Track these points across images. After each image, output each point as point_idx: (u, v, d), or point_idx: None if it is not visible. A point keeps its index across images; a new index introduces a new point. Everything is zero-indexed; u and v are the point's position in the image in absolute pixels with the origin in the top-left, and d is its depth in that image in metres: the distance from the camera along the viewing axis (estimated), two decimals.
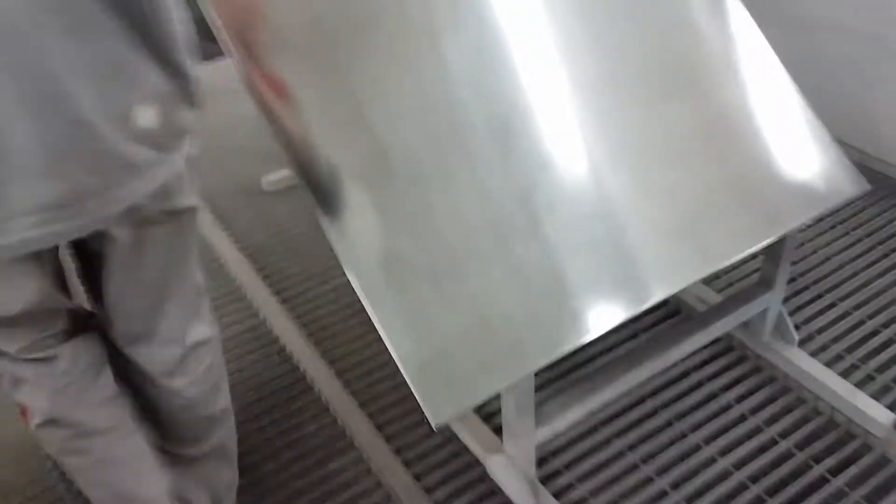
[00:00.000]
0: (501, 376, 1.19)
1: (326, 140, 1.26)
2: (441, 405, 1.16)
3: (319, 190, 1.23)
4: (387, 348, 1.17)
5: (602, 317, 1.24)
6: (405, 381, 1.15)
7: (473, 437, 1.60)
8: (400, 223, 1.25)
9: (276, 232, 2.32)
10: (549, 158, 1.34)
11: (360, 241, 1.23)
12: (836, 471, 1.56)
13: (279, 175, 2.49)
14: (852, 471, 1.55)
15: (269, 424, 1.74)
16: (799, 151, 1.49)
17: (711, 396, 1.72)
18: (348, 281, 1.19)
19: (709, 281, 2.00)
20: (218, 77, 3.00)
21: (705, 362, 1.80)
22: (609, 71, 1.46)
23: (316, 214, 1.21)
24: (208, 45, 2.26)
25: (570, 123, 1.38)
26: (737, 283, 2.02)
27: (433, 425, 1.15)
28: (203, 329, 1.27)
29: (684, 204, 1.37)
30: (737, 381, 1.75)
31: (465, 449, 1.64)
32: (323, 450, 1.68)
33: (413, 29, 1.36)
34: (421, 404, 1.16)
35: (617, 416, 1.69)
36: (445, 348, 1.19)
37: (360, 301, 1.19)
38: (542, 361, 1.21)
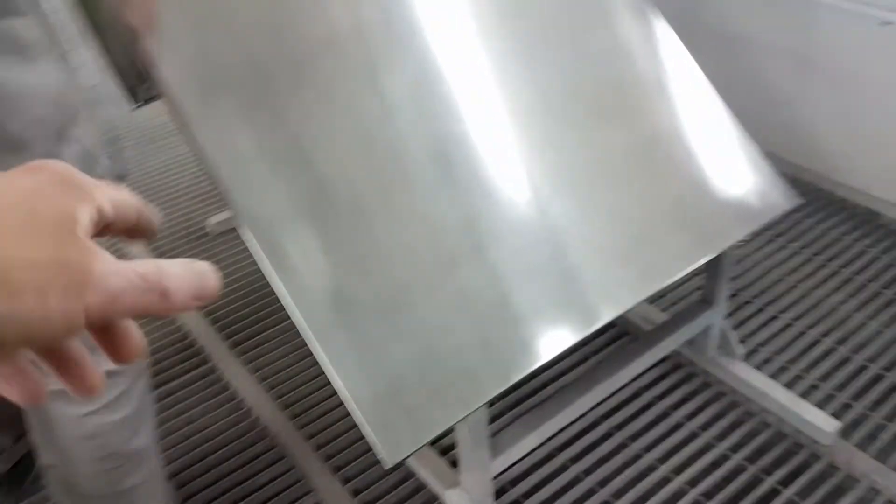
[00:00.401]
0: (455, 409, 1.19)
1: (265, 179, 1.26)
2: (395, 443, 1.16)
3: (259, 230, 1.23)
4: None
5: (551, 342, 1.26)
6: None
7: (430, 471, 1.59)
8: (344, 258, 1.25)
9: (224, 274, 2.29)
10: (491, 186, 1.36)
11: (303, 279, 1.23)
12: (786, 481, 1.59)
13: (224, 216, 2.48)
14: (802, 480, 1.59)
15: (223, 475, 1.70)
16: (732, 169, 1.54)
17: (663, 415, 1.75)
18: None
19: (654, 300, 2.04)
20: (157, 119, 2.99)
21: (655, 381, 1.83)
22: (544, 99, 1.49)
23: (255, 256, 1.21)
24: (143, 88, 2.25)
25: (508, 151, 1.40)
26: (681, 302, 2.06)
27: (387, 465, 1.14)
28: None
29: (624, 226, 1.41)
30: (686, 399, 1.79)
31: (424, 485, 1.63)
32: (279, 497, 1.65)
33: (350, 65, 1.38)
34: (373, 445, 1.15)
35: (572, 441, 1.70)
36: (397, 383, 1.19)
37: None
38: (495, 391, 1.22)
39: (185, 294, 0.37)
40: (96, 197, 0.37)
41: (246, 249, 2.37)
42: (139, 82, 2.22)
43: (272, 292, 2.20)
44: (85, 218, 0.36)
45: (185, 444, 1.78)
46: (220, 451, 1.76)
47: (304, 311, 1.20)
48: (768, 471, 1.62)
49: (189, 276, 0.38)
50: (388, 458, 1.15)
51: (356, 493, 1.64)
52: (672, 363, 1.87)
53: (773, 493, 1.57)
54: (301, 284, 1.22)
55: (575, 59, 1.57)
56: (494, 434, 1.46)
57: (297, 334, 2.00)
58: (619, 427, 1.72)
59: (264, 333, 2.07)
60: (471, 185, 1.36)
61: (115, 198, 0.39)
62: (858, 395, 1.77)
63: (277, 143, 1.29)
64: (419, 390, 1.19)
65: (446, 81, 1.42)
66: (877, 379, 1.81)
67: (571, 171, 1.44)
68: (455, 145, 1.38)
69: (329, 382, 1.84)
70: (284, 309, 1.95)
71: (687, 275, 2.11)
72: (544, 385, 1.85)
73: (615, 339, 1.96)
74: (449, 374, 1.21)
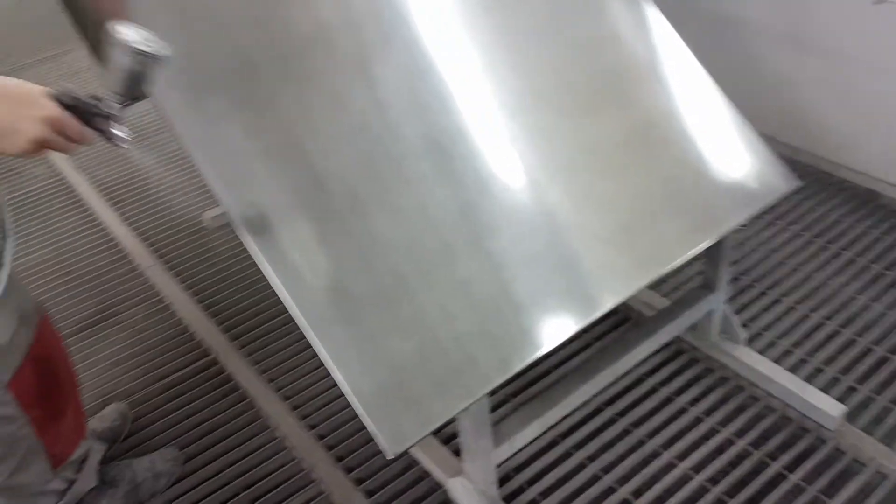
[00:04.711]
0: (456, 399, 1.18)
1: (255, 175, 1.25)
2: (397, 434, 1.15)
3: (253, 227, 1.22)
4: None
5: (552, 330, 1.25)
6: None
7: (433, 460, 1.58)
8: (341, 252, 1.24)
9: (223, 268, 2.29)
10: (486, 176, 1.35)
11: (300, 275, 1.22)
12: (792, 466, 1.58)
13: (222, 210, 2.46)
14: (808, 465, 1.58)
15: (227, 466, 1.70)
16: (729, 152, 1.52)
17: (666, 401, 1.74)
18: None
19: (655, 286, 2.02)
20: (148, 116, 2.97)
21: (658, 367, 1.82)
22: (536, 87, 1.47)
23: (252, 253, 1.20)
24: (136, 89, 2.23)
25: (502, 141, 1.39)
26: (683, 286, 2.05)
27: (388, 456, 1.14)
28: None
29: (622, 213, 1.39)
30: (689, 384, 1.78)
31: (427, 473, 1.63)
32: (283, 487, 1.64)
33: (340, 57, 1.36)
34: (375, 436, 1.14)
35: (576, 427, 1.69)
36: (398, 375, 1.18)
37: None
38: (496, 380, 1.21)
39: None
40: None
41: (239, 243, 2.35)
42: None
43: (269, 283, 2.19)
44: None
45: (187, 435, 1.77)
46: (223, 443, 1.75)
47: (302, 306, 1.19)
48: (774, 455, 1.61)
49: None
50: (390, 448, 1.14)
51: (359, 482, 1.63)
52: (674, 349, 1.86)
53: (779, 477, 1.56)
54: (298, 280, 1.21)
55: (565, 48, 1.55)
56: (497, 422, 1.45)
57: (297, 327, 2.00)
58: (623, 413, 1.71)
59: (264, 326, 2.06)
60: (466, 175, 1.34)
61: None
62: (864, 379, 1.76)
63: (267, 139, 1.27)
64: (420, 381, 1.18)
65: (437, 73, 1.41)
66: (882, 361, 1.80)
67: (566, 160, 1.42)
68: (448, 136, 1.37)
69: (330, 376, 1.84)
70: (281, 301, 1.95)
71: (688, 260, 2.10)
72: (547, 372, 1.84)
73: (617, 325, 1.95)
74: (450, 364, 1.20)
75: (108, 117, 0.98)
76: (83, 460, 1.53)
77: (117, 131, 0.99)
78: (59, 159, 2.87)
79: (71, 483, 1.50)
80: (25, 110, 0.89)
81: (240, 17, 1.34)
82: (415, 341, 1.21)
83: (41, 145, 0.91)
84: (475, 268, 1.28)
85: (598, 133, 1.46)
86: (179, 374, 1.95)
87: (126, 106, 1.00)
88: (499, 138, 1.39)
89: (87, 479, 1.53)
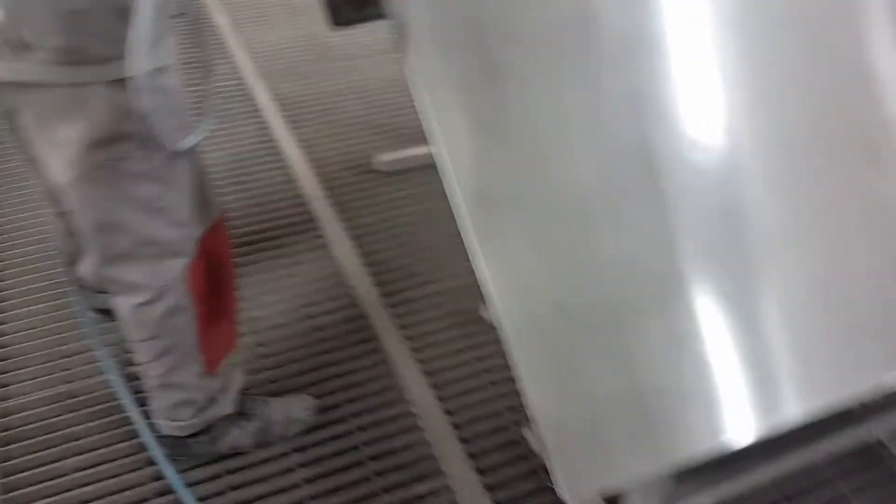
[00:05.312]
0: (648, 463, 1.05)
1: (490, 157, 1.15)
2: (578, 476, 1.05)
3: (474, 210, 1.11)
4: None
5: (775, 414, 1.09)
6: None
7: None
8: (559, 261, 1.12)
9: (387, 217, 2.21)
10: (736, 218, 1.18)
11: (507, 272, 1.11)
12: None
13: (395, 156, 2.37)
14: None
15: (356, 429, 1.64)
16: None
17: (840, 497, 1.56)
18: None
19: None
20: (342, 44, 2.91)
21: (838, 457, 1.63)
22: (811, 126, 1.28)
23: (464, 233, 1.10)
24: (347, 10, 2.15)
25: (753, 179, 1.21)
26: None
27: (566, 499, 1.03)
28: None
29: (878, 292, 1.20)
30: (869, 485, 1.58)
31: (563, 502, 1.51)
32: (410, 469, 1.57)
33: (601, 46, 1.21)
34: (553, 473, 1.04)
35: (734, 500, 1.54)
36: (593, 413, 1.07)
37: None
38: (704, 450, 1.06)
39: None
40: None
41: (411, 195, 2.27)
42: (345, 3, 2.12)
43: (433, 248, 2.10)
44: None
45: (322, 384, 1.72)
46: (356, 403, 1.70)
47: (506, 309, 1.08)
48: None
49: None
50: (569, 492, 1.03)
51: (490, 488, 1.53)
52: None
53: None
54: (507, 280, 1.11)
55: (848, 84, 1.35)
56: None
57: (452, 301, 1.91)
58: (790, 498, 1.54)
59: (417, 290, 1.97)
60: (708, 211, 1.18)
61: None
62: None
63: (508, 121, 1.15)
64: (617, 428, 1.06)
65: (706, 84, 1.24)
66: None
67: (826, 216, 1.24)
68: (702, 161, 1.20)
69: (474, 362, 1.75)
70: (441, 271, 1.85)
71: None
72: None
73: None
74: (648, 420, 1.07)
75: None
76: (225, 387, 1.50)
77: None
78: (242, 62, 2.84)
79: (210, 402, 1.47)
80: None
81: None
82: (619, 381, 1.08)
83: None
84: (696, 316, 1.13)
85: (868, 191, 1.27)
86: (324, 318, 1.89)
87: None
88: (761, 178, 1.21)
89: (225, 405, 1.51)
